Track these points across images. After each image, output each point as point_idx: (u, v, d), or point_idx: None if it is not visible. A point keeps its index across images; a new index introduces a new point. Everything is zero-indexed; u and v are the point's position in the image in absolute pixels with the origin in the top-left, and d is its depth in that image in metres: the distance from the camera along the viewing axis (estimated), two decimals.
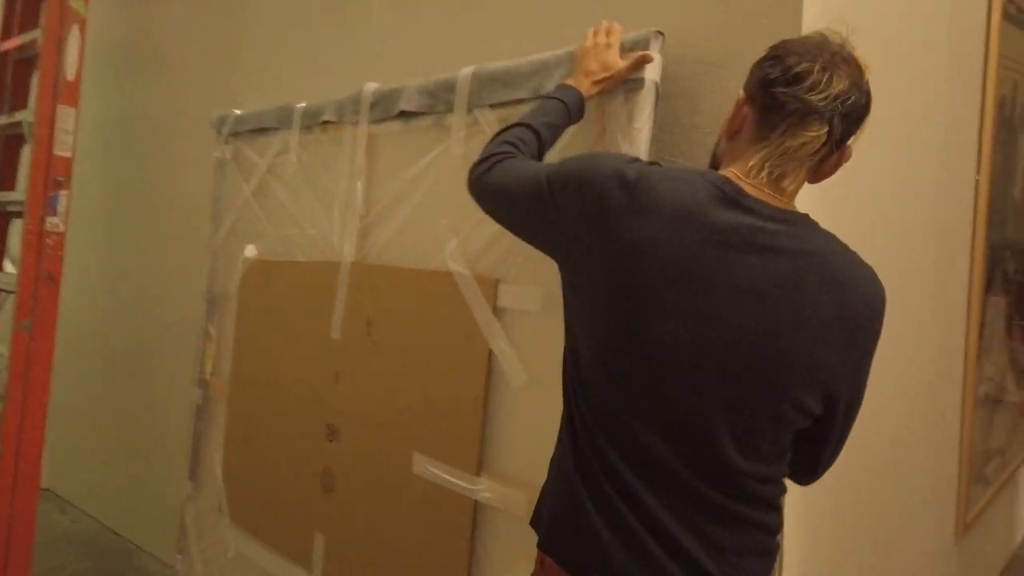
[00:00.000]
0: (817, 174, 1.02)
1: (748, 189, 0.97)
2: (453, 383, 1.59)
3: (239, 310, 2.31)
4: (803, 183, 1.02)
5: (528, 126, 1.23)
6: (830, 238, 0.99)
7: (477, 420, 1.53)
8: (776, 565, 1.12)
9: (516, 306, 1.49)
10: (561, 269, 1.09)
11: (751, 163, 0.98)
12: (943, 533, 2.22)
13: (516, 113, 1.47)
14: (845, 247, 1.00)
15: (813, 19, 1.25)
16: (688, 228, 0.93)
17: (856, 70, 0.97)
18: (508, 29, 1.70)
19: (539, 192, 1.06)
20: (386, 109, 1.80)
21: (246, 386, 2.24)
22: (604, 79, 1.29)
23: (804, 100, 0.95)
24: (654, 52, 1.29)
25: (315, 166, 2.06)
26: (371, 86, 1.86)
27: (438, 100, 1.67)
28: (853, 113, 0.97)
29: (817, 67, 0.95)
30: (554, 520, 1.05)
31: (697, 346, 0.92)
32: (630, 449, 0.97)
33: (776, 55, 0.99)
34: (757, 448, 0.96)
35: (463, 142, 1.62)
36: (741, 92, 1.04)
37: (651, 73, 1.29)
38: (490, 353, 1.52)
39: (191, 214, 2.74)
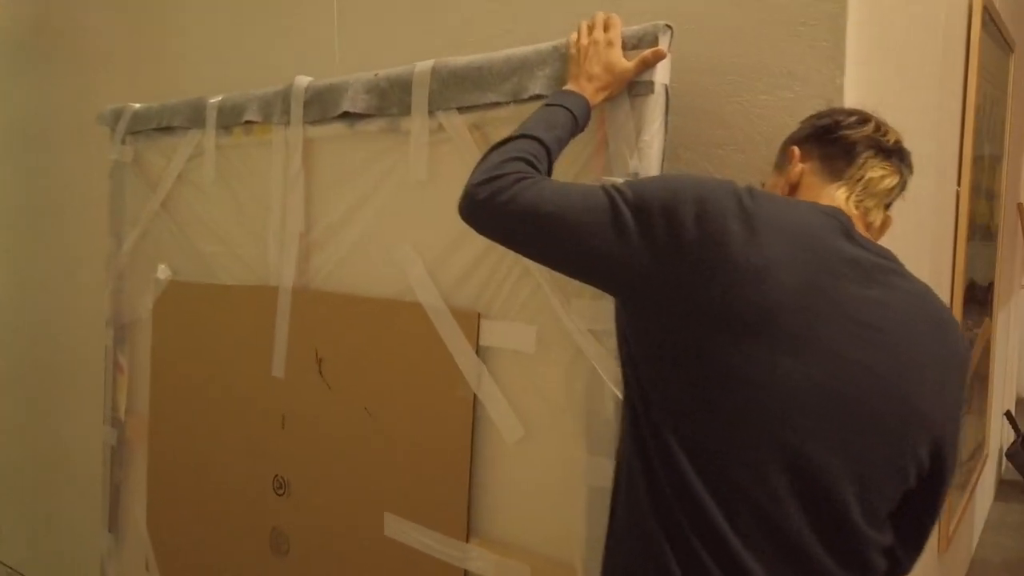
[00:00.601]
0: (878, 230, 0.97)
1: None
2: (431, 433, 1.37)
3: (154, 339, 2.00)
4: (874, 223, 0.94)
5: (537, 140, 1.01)
6: (902, 270, 0.90)
7: (463, 477, 1.32)
8: None
9: (504, 345, 1.27)
10: (631, 299, 0.91)
11: (836, 200, 0.92)
12: (929, 549, 2.16)
13: (491, 119, 1.27)
14: (913, 279, 0.91)
15: (858, 25, 1.08)
16: (810, 255, 0.83)
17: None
18: (478, 18, 1.45)
19: (611, 218, 0.87)
20: (324, 108, 1.53)
21: (169, 427, 1.94)
22: (609, 83, 1.08)
23: (874, 138, 0.94)
24: (663, 49, 1.09)
25: (238, 173, 1.76)
26: (303, 80, 1.58)
27: (390, 100, 1.41)
28: (909, 168, 0.96)
29: (873, 118, 0.96)
30: None
31: (822, 385, 0.80)
32: (734, 503, 0.80)
33: (828, 111, 1.00)
34: (877, 512, 0.84)
35: (424, 150, 1.38)
36: (793, 148, 0.99)
37: (660, 75, 1.09)
38: (475, 399, 1.31)
39: (89, 224, 2.38)
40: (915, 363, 0.84)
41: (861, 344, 0.81)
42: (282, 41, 1.84)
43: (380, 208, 1.47)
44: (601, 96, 1.08)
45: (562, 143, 1.04)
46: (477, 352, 1.30)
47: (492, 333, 1.29)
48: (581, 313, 1.15)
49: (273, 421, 1.65)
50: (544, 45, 1.20)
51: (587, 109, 1.07)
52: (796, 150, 0.98)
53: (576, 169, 1.17)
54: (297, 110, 1.59)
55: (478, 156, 1.22)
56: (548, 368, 1.22)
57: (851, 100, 1.08)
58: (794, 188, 0.96)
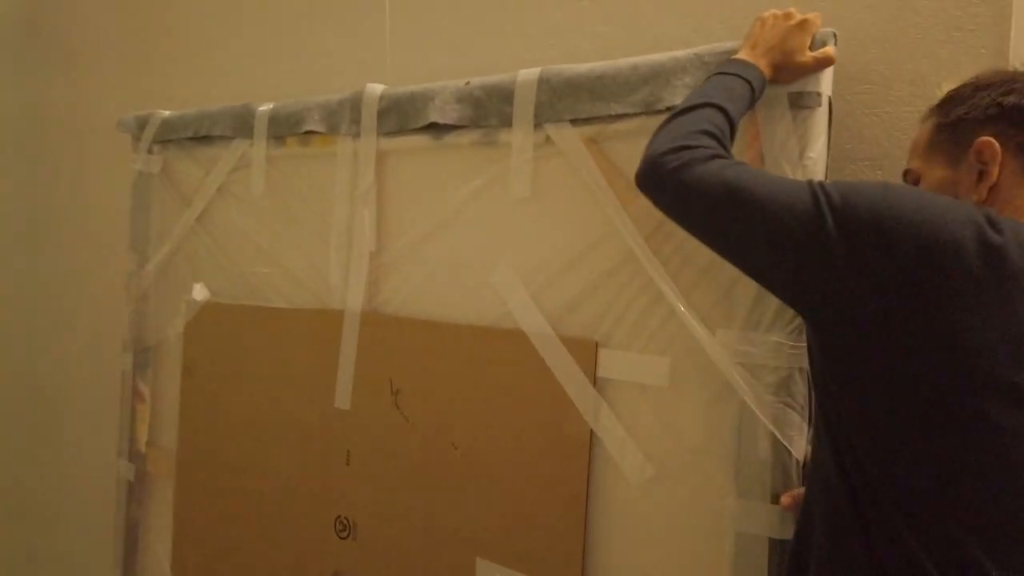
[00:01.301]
0: None
1: None
2: (537, 472, 1.25)
3: (185, 365, 1.84)
4: None
5: (724, 112, 0.92)
6: None
7: (577, 521, 1.20)
8: None
9: (629, 378, 1.17)
10: (823, 326, 0.79)
11: None
12: None
13: (612, 132, 1.16)
14: None
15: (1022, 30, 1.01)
16: None
17: None
18: (584, 24, 1.34)
19: (812, 223, 0.75)
20: (404, 119, 1.42)
21: (203, 461, 1.79)
22: (783, 67, 0.99)
23: None
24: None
25: (293, 187, 1.63)
26: (375, 88, 1.47)
27: (487, 110, 1.31)
28: None
29: None
30: None
31: None
32: None
33: (1008, 88, 0.81)
34: None
35: (528, 165, 1.27)
36: (984, 138, 0.80)
37: (825, 86, 1.01)
38: (592, 436, 1.19)
39: (101, 239, 2.21)
40: None
41: None
42: (329, 46, 1.72)
43: (472, 227, 1.35)
44: (771, 75, 0.99)
45: (742, 117, 0.95)
46: (595, 384, 1.19)
47: (614, 364, 1.18)
48: (729, 344, 1.06)
49: (336, 456, 1.51)
50: (682, 52, 1.11)
51: (764, 84, 0.98)
52: (995, 143, 0.80)
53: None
54: (370, 120, 1.47)
55: (596, 172, 1.14)
56: (685, 403, 1.12)
57: None
58: (993, 188, 0.80)
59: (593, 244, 1.20)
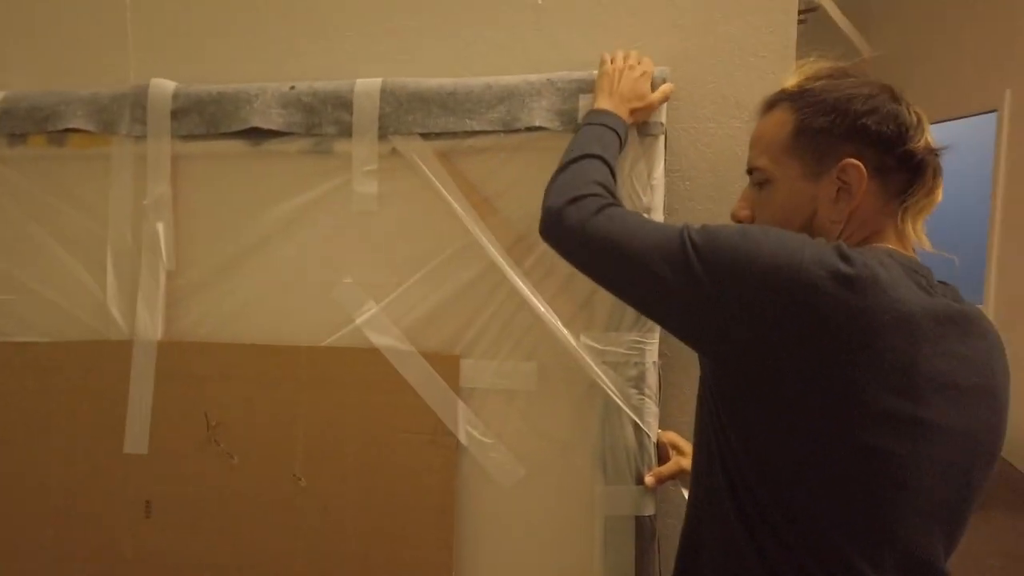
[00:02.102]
0: None
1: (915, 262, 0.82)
2: (398, 490, 1.22)
3: None
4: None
5: (604, 161, 1.00)
6: (954, 291, 0.85)
7: (447, 533, 1.21)
8: None
9: (495, 385, 1.21)
10: (714, 365, 0.85)
11: (905, 231, 0.84)
12: None
13: (468, 148, 1.20)
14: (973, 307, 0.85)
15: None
16: (912, 328, 0.74)
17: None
18: (423, 43, 1.32)
19: (681, 265, 0.80)
20: (211, 121, 1.27)
21: None
22: (638, 111, 1.11)
23: (932, 149, 0.84)
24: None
25: (44, 194, 1.35)
26: (163, 85, 1.29)
27: (321, 118, 1.24)
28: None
29: (915, 111, 0.84)
30: None
31: (932, 471, 0.75)
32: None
33: (873, 106, 0.83)
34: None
35: (373, 178, 1.24)
36: (851, 160, 0.82)
37: (662, 116, 1.17)
38: (458, 446, 1.21)
39: None
40: (1000, 405, 0.80)
41: (967, 413, 0.77)
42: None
43: (306, 241, 1.27)
44: (631, 121, 1.11)
45: (616, 161, 1.05)
46: (459, 394, 1.21)
47: (479, 374, 1.21)
48: (592, 345, 1.16)
49: (130, 509, 1.30)
50: (535, 77, 1.18)
51: (626, 130, 1.09)
52: (862, 168, 0.82)
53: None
54: (160, 120, 1.29)
55: (452, 186, 1.17)
56: (553, 404, 1.20)
57: None
58: (858, 207, 0.83)
59: (451, 257, 1.22)
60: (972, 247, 4.07)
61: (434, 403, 1.21)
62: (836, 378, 0.73)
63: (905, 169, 0.83)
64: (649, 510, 1.16)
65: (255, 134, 1.27)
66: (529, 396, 1.20)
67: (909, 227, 0.85)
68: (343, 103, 1.23)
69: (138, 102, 1.30)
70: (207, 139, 1.28)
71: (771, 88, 1.03)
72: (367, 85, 1.23)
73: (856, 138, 0.83)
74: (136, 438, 1.30)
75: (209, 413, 1.28)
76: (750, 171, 0.93)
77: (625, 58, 1.13)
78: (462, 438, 1.21)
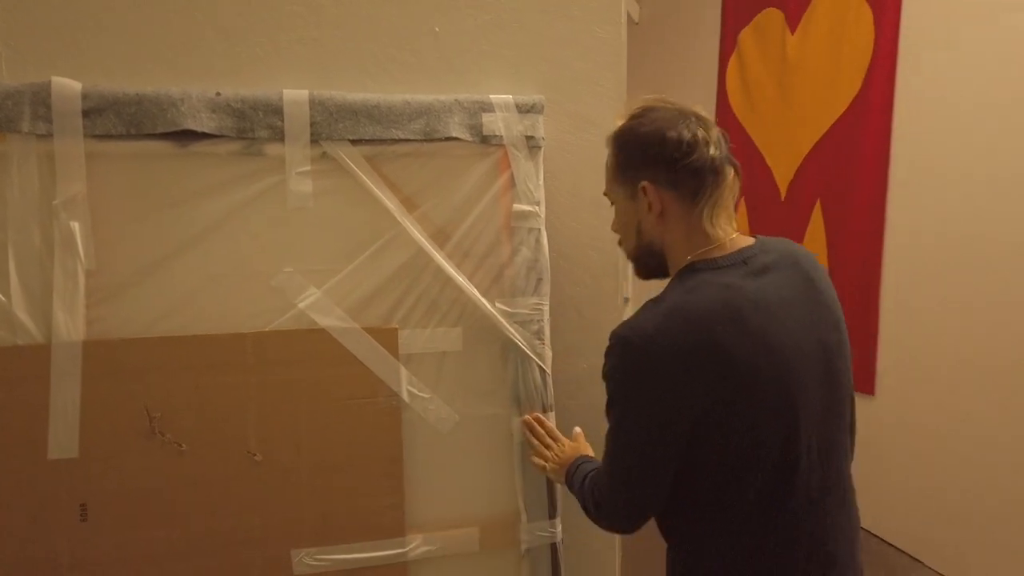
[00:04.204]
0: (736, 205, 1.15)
1: (725, 249, 1.09)
2: (352, 451, 1.40)
3: None
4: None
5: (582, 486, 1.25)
6: (768, 242, 1.14)
7: (397, 478, 1.42)
8: None
9: (429, 350, 1.46)
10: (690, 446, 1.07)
11: (704, 227, 1.08)
12: None
13: (392, 153, 1.44)
14: (777, 242, 1.15)
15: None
16: (735, 335, 1.01)
17: (697, 113, 1.10)
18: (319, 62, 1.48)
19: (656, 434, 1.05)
20: (131, 122, 1.30)
21: None
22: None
23: (711, 157, 1.06)
24: (540, 113, 1.53)
25: None
26: (68, 85, 1.29)
27: (253, 123, 1.36)
28: (729, 146, 1.12)
29: (697, 129, 1.07)
30: None
31: (778, 377, 1.04)
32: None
33: (659, 138, 1.07)
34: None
35: (307, 178, 1.40)
36: (645, 183, 1.08)
37: (542, 131, 1.53)
38: (400, 403, 1.43)
39: None
40: (810, 290, 1.08)
41: (793, 326, 1.04)
42: None
43: (240, 237, 1.37)
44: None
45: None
46: (399, 360, 1.44)
47: (415, 341, 1.45)
48: (505, 309, 1.48)
49: (63, 515, 1.26)
50: (445, 96, 1.46)
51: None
52: (648, 184, 1.07)
53: (487, 199, 1.48)
54: (69, 119, 1.28)
55: (381, 185, 1.42)
56: (477, 360, 1.48)
57: None
58: (661, 213, 1.08)
59: (384, 245, 1.43)
60: None
61: (378, 370, 1.42)
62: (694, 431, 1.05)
63: (691, 178, 1.07)
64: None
65: (181, 136, 1.33)
66: (457, 356, 1.48)
67: (708, 223, 1.08)
68: (274, 110, 1.37)
69: (39, 99, 1.27)
70: (128, 139, 1.31)
71: (609, 108, 1.48)
72: (295, 95, 1.38)
73: (649, 163, 1.08)
74: (62, 442, 1.27)
75: (151, 406, 1.31)
76: (606, 194, 1.21)
77: (548, 448, 1.43)
78: (405, 397, 1.44)
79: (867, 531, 3.46)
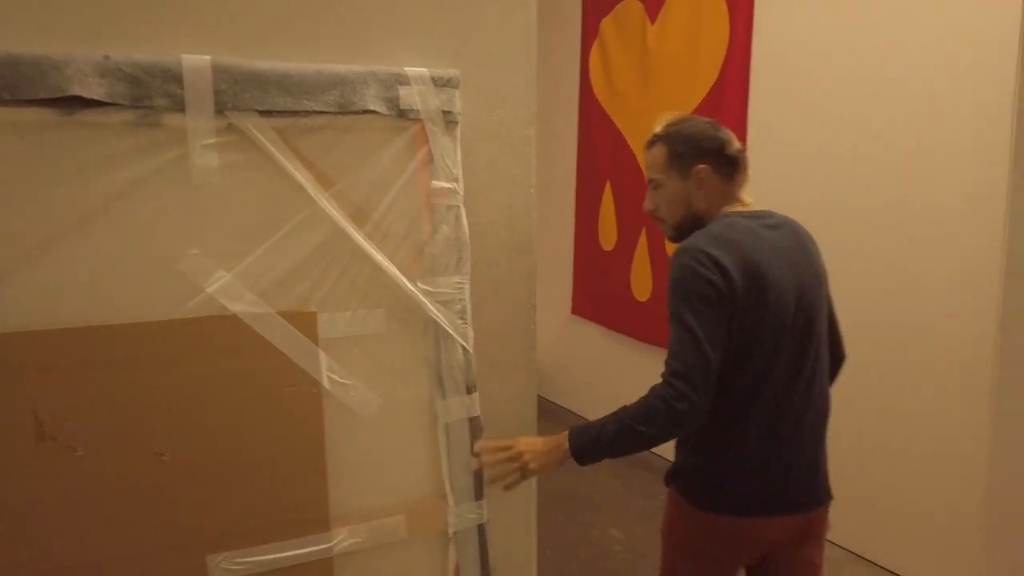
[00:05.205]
0: None
1: (742, 209, 1.52)
2: (270, 444, 1.31)
3: None
4: None
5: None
6: (776, 213, 1.55)
7: (319, 467, 1.35)
8: None
9: (349, 333, 1.39)
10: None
11: (737, 196, 1.53)
12: None
13: (305, 126, 1.36)
14: (778, 214, 1.56)
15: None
16: (747, 252, 1.42)
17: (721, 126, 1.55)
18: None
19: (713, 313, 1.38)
20: (6, 85, 1.13)
21: None
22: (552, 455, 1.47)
23: (738, 150, 1.52)
24: (456, 88, 1.49)
25: None
26: None
27: (150, 91, 1.23)
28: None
29: (726, 133, 1.52)
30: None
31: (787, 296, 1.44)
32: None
33: (709, 136, 1.51)
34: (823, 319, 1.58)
35: (212, 151, 1.28)
36: (701, 165, 1.49)
37: (458, 106, 1.50)
38: (320, 389, 1.36)
39: None
40: (807, 247, 1.51)
41: (787, 264, 1.44)
42: None
43: (138, 217, 1.24)
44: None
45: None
46: (318, 346, 1.36)
47: (334, 324, 1.38)
48: (427, 289, 1.45)
49: None
50: (360, 67, 1.39)
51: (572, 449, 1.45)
52: (701, 166, 1.48)
53: (406, 176, 1.43)
54: None
55: (294, 160, 1.35)
56: (399, 341, 1.44)
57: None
58: (701, 187, 1.49)
59: (298, 224, 1.35)
60: None
61: (296, 357, 1.34)
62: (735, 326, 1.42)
63: (728, 164, 1.51)
64: (477, 410, 1.51)
65: (65, 103, 1.18)
66: (378, 338, 1.42)
67: (739, 193, 1.54)
68: (172, 76, 1.25)
69: None
70: (1, 106, 1.14)
71: (522, 86, 1.50)
72: (196, 61, 1.26)
73: (701, 153, 1.50)
74: None
75: (38, 408, 1.16)
76: (649, 181, 1.57)
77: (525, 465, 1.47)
78: (325, 383, 1.37)
79: None
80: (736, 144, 1.52)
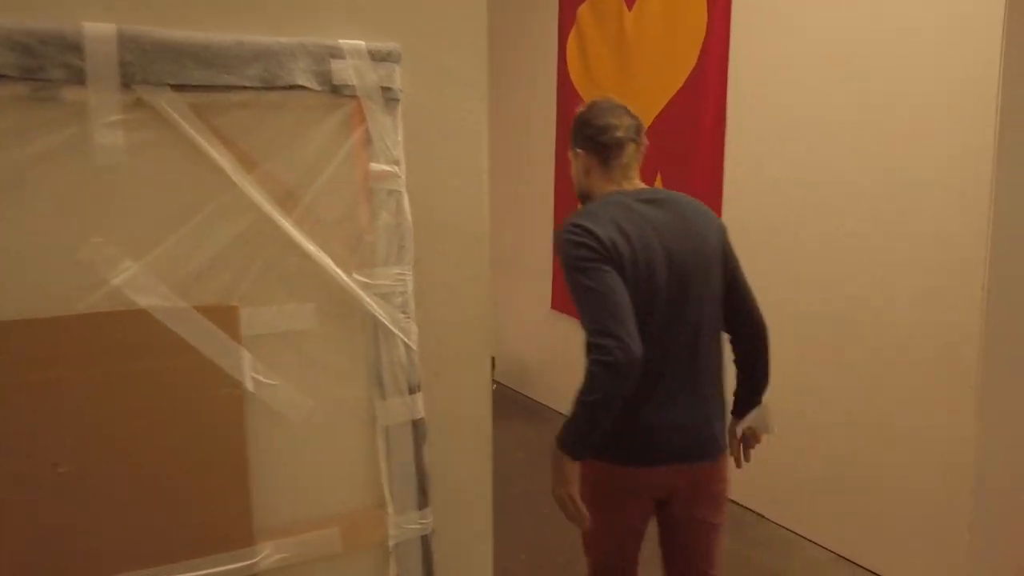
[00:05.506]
0: (641, 165, 1.80)
1: (628, 187, 1.75)
2: (185, 453, 1.19)
3: None
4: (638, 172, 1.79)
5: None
6: (669, 191, 1.79)
7: (241, 478, 1.23)
8: None
9: (276, 329, 1.27)
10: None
11: (615, 178, 1.75)
12: None
13: (226, 102, 1.24)
14: (674, 192, 1.79)
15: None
16: (631, 224, 1.65)
17: (625, 108, 1.77)
18: None
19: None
20: None
21: None
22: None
23: (617, 138, 1.73)
24: (397, 63, 1.37)
25: None
26: None
27: (44, 61, 1.10)
28: (639, 130, 1.77)
29: (612, 119, 1.73)
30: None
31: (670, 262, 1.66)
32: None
33: (590, 122, 1.76)
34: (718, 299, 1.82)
35: (117, 129, 1.16)
36: (579, 150, 1.78)
37: (399, 83, 1.38)
38: (244, 392, 1.24)
39: None
40: (693, 222, 1.69)
41: (659, 234, 1.63)
42: None
43: (31, 202, 1.11)
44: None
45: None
46: (241, 344, 1.24)
47: (259, 320, 1.26)
48: (365, 281, 1.33)
49: None
50: (287, 39, 1.27)
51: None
52: (580, 151, 1.77)
53: (340, 158, 1.31)
54: None
55: (213, 140, 1.22)
56: (332, 338, 1.32)
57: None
58: (589, 171, 1.76)
59: (217, 210, 1.23)
60: None
61: (216, 356, 1.22)
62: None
63: (602, 150, 1.74)
64: (421, 412, 1.39)
65: None
66: (309, 335, 1.31)
67: (627, 175, 1.76)
68: (71, 46, 1.12)
69: None
70: None
71: (472, 64, 1.42)
72: (99, 29, 1.14)
73: (580, 139, 1.79)
74: None
75: None
76: (569, 151, 1.85)
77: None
78: (248, 385, 1.25)
79: None
80: (617, 133, 1.71)
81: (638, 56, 3.77)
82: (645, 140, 1.79)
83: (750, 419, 1.86)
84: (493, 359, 5.08)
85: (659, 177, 3.66)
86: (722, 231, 1.75)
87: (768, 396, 1.89)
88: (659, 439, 1.65)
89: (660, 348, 1.61)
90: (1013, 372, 2.56)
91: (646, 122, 3.92)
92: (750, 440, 1.89)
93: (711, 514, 1.74)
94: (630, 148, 1.72)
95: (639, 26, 3.75)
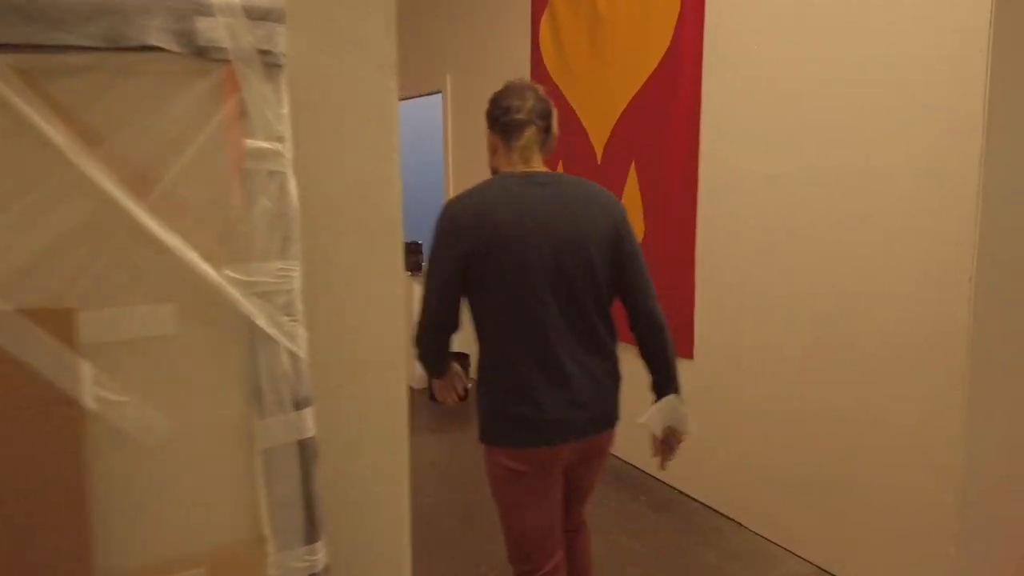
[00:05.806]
0: (547, 150, 1.86)
1: (520, 170, 1.83)
2: (5, 487, 1.00)
3: None
4: (544, 157, 1.86)
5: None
6: (565, 176, 1.85)
7: (79, 518, 1.04)
8: None
9: (126, 335, 1.07)
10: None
11: (513, 159, 1.84)
12: None
13: (62, 65, 1.04)
14: (574, 177, 1.85)
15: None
16: (506, 204, 1.77)
17: (535, 91, 1.83)
18: None
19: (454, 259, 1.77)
20: None
21: None
22: None
23: (516, 119, 1.81)
24: (280, 22, 1.17)
25: None
26: None
27: None
28: (544, 114, 1.81)
29: (515, 101, 1.79)
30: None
31: (542, 246, 1.75)
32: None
33: (497, 103, 1.84)
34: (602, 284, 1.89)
35: None
36: (488, 129, 1.88)
37: (283, 47, 1.18)
38: (84, 412, 1.04)
39: None
40: (577, 205, 1.76)
41: (537, 215, 1.72)
42: None
43: None
44: None
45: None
46: (79, 353, 1.04)
47: (104, 325, 1.06)
48: (239, 278, 1.13)
49: None
50: None
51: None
52: (491, 134, 1.86)
53: (207, 133, 1.11)
54: None
55: (45, 111, 1.02)
56: (198, 345, 1.12)
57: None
58: (496, 150, 1.86)
59: (49, 195, 1.02)
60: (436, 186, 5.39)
61: (45, 368, 1.02)
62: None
63: (502, 129, 1.84)
64: (310, 431, 1.19)
65: None
66: (168, 342, 1.11)
67: (525, 156, 1.83)
68: None
69: None
70: None
71: (373, 26, 1.26)
72: None
73: (488, 118, 1.88)
74: None
75: None
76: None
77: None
78: (89, 402, 1.05)
79: (685, 494, 3.44)
80: (517, 115, 1.77)
81: (612, 38, 3.57)
82: (555, 125, 1.84)
83: (664, 416, 1.83)
84: (467, 356, 4.89)
85: (633, 168, 3.46)
86: (618, 216, 1.79)
87: (677, 398, 1.86)
88: (549, 422, 1.74)
89: (541, 330, 1.72)
90: (1002, 366, 2.38)
91: (619, 108, 3.77)
92: (671, 441, 1.89)
93: (596, 476, 2.01)
94: (530, 131, 1.78)
95: (613, 7, 3.55)
